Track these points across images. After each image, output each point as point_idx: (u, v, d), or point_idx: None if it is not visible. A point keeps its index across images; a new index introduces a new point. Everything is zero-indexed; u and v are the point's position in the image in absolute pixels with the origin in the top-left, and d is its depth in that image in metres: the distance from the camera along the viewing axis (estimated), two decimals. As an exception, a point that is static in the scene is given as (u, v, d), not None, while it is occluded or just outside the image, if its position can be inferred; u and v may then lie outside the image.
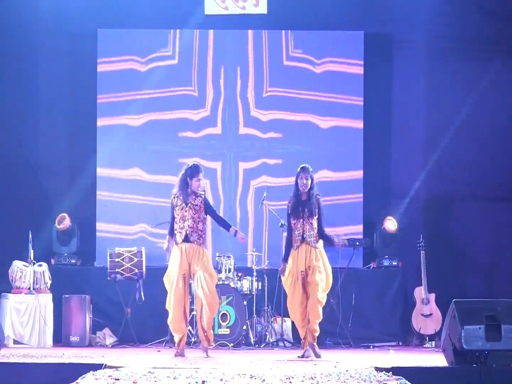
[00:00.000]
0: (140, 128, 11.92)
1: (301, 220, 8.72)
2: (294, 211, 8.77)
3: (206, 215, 8.89)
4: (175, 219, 8.82)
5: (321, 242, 8.79)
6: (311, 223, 8.71)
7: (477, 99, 11.80)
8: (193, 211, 8.77)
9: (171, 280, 8.76)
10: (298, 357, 8.78)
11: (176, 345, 8.84)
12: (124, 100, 11.91)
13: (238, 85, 11.97)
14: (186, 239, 8.75)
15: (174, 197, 8.86)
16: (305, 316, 8.71)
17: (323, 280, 8.68)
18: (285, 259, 8.84)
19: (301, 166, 8.85)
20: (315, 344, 8.73)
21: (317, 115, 11.91)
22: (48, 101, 11.91)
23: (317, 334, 8.73)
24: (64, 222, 11.31)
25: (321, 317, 8.72)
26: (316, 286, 8.61)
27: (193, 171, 8.80)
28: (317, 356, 8.63)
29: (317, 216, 8.75)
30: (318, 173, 11.10)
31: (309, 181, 8.73)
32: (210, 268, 8.86)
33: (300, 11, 11.95)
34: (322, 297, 8.71)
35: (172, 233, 8.88)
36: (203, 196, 8.85)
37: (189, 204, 8.77)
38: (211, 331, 8.91)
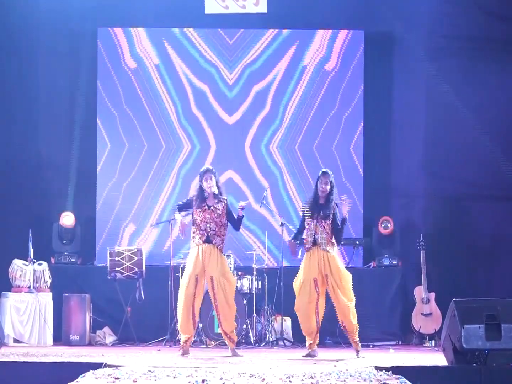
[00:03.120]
0: (140, 127, 11.93)
1: (315, 221, 8.72)
2: (311, 212, 8.77)
3: (227, 221, 8.85)
4: (196, 222, 8.75)
5: (335, 248, 8.77)
6: (324, 226, 8.70)
7: (476, 98, 11.81)
8: (216, 215, 8.73)
9: (184, 280, 8.73)
10: (303, 356, 8.79)
11: (181, 343, 8.82)
12: (124, 100, 11.92)
13: (239, 84, 11.99)
14: (208, 241, 8.72)
15: (194, 199, 8.81)
16: (315, 324, 8.75)
17: (346, 285, 8.69)
18: (294, 238, 8.91)
19: (323, 170, 8.86)
20: (359, 349, 8.79)
21: (317, 114, 11.92)
22: (48, 100, 11.91)
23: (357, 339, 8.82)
24: (70, 219, 11.34)
25: (356, 324, 8.77)
26: (342, 295, 8.63)
27: (201, 173, 8.84)
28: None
29: (330, 222, 8.72)
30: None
31: (328, 186, 8.71)
32: (228, 273, 8.86)
33: (300, 11, 11.96)
34: (352, 306, 8.72)
35: (180, 208, 8.83)
36: (225, 202, 8.81)
37: (212, 207, 8.75)
38: (234, 333, 8.91)
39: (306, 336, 8.88)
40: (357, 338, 8.79)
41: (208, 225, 8.72)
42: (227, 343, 9.00)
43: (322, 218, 8.71)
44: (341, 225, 8.74)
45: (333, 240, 8.77)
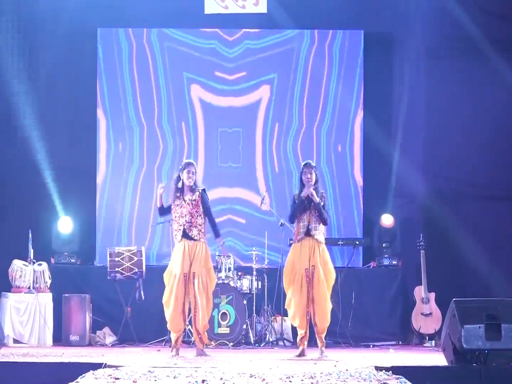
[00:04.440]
0: (140, 127, 11.93)
1: (308, 211, 8.72)
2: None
3: (204, 212, 8.85)
4: (175, 218, 8.78)
5: (323, 236, 8.77)
6: (317, 216, 8.71)
7: (476, 98, 11.81)
8: (191, 207, 8.75)
9: (172, 278, 8.74)
10: (296, 356, 8.75)
11: (174, 343, 8.83)
12: (124, 100, 11.92)
13: (239, 83, 11.99)
14: (185, 235, 8.72)
15: (173, 193, 8.84)
16: (307, 316, 8.69)
17: (328, 281, 8.71)
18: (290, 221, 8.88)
19: (304, 162, 8.90)
20: (323, 349, 8.73)
21: (317, 114, 11.92)
22: (48, 100, 11.90)
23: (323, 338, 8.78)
24: (67, 227, 11.35)
25: (329, 321, 8.76)
26: (324, 289, 8.62)
27: (184, 164, 8.87)
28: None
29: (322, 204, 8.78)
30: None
31: (313, 175, 8.75)
32: (211, 269, 8.85)
33: (300, 11, 11.95)
34: (329, 305, 8.73)
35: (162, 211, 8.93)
36: (200, 191, 8.83)
37: (187, 201, 8.78)
38: (206, 334, 8.88)
39: (299, 329, 8.75)
40: (323, 337, 8.75)
41: (184, 219, 8.73)
42: (196, 344, 8.87)
43: (314, 209, 8.70)
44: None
45: (323, 229, 8.79)
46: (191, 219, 8.73)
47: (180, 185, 8.80)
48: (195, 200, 8.78)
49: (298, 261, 8.69)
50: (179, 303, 8.70)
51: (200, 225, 8.78)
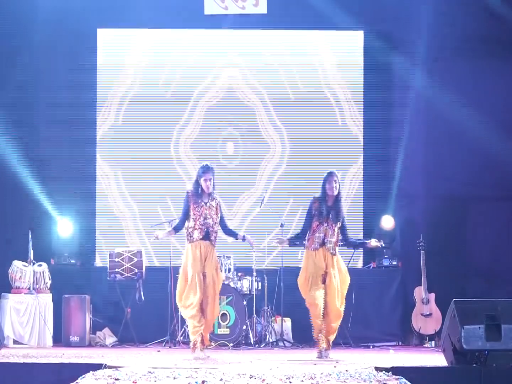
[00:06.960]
0: (140, 127, 11.93)
1: (325, 224, 8.69)
2: (320, 214, 8.69)
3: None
4: (194, 216, 8.69)
5: (337, 249, 8.78)
6: (334, 230, 8.68)
7: (477, 98, 11.81)
8: (212, 211, 8.73)
9: (188, 278, 8.63)
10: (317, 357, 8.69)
11: (196, 343, 8.63)
12: (124, 100, 11.92)
13: (238, 83, 12.00)
14: (206, 237, 8.68)
15: (190, 195, 8.77)
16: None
17: (342, 288, 8.71)
18: (290, 239, 8.95)
19: (329, 171, 8.78)
20: (328, 351, 8.72)
21: (317, 114, 11.92)
22: (48, 101, 11.89)
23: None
24: (67, 230, 11.35)
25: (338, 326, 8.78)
26: (334, 294, 8.63)
27: (201, 171, 8.75)
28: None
29: (340, 223, 8.74)
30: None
31: (338, 185, 8.71)
32: (219, 269, 8.84)
33: (299, 11, 11.95)
34: (342, 308, 8.74)
35: (177, 229, 8.86)
36: (217, 200, 8.80)
37: (208, 204, 8.74)
38: (208, 336, 8.84)
39: (318, 328, 8.66)
40: (331, 341, 8.75)
41: (207, 221, 8.70)
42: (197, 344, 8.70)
43: (333, 221, 8.69)
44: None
45: (338, 242, 8.80)
46: (213, 225, 8.72)
47: (200, 191, 8.71)
48: (214, 207, 8.74)
49: (313, 267, 8.65)
50: (199, 305, 8.57)
51: (216, 233, 8.78)
